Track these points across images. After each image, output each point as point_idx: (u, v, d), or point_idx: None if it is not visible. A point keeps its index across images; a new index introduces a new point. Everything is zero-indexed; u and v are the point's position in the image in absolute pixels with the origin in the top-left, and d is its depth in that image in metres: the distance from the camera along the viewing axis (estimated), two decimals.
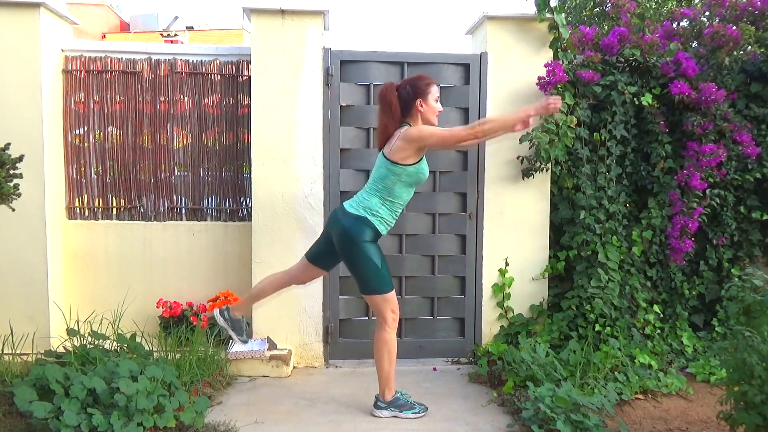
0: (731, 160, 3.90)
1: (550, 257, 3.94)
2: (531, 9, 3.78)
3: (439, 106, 3.03)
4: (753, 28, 3.93)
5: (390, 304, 2.97)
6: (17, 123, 3.60)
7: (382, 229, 2.98)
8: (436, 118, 3.03)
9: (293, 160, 3.72)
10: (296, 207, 3.74)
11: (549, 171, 3.87)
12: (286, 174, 3.72)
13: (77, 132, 3.97)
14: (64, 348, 3.32)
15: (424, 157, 3.00)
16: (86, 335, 3.34)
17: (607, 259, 3.72)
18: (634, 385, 3.31)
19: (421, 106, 2.97)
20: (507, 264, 3.89)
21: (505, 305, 3.90)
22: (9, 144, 2.95)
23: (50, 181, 3.74)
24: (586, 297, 3.69)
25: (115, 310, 3.59)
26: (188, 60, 4.02)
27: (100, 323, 3.51)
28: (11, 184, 2.90)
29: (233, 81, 4.03)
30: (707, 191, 3.89)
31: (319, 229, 3.75)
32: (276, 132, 3.71)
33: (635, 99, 3.82)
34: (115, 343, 3.38)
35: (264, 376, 3.58)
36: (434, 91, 3.00)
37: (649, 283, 3.95)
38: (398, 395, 3.09)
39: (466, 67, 3.86)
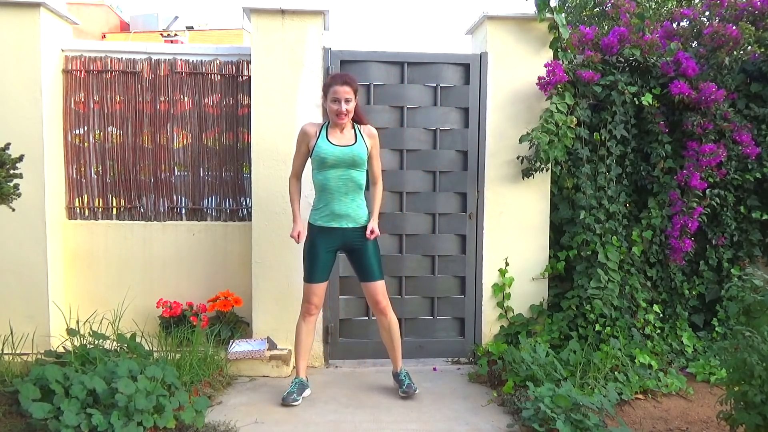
0: (731, 160, 3.91)
1: (550, 257, 3.94)
2: (531, 9, 3.78)
3: (335, 106, 3.09)
4: (753, 27, 3.93)
5: (305, 294, 3.27)
6: (17, 123, 3.59)
7: (314, 219, 3.22)
8: (337, 118, 3.11)
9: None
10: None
11: (549, 171, 3.87)
12: (286, 174, 3.71)
13: (77, 132, 3.97)
14: (64, 348, 3.32)
15: (321, 140, 3.15)
16: (86, 335, 3.34)
17: (607, 259, 3.72)
18: (634, 385, 3.31)
19: (324, 103, 3.19)
20: (507, 264, 3.89)
21: (505, 305, 3.90)
22: (9, 144, 2.95)
23: (50, 181, 3.74)
24: (586, 297, 3.69)
25: (115, 310, 3.59)
26: (188, 60, 4.01)
27: (100, 323, 3.51)
28: (11, 184, 2.89)
29: (233, 81, 4.03)
30: (707, 191, 3.89)
31: None
32: (276, 132, 3.71)
33: (635, 99, 3.82)
34: (115, 343, 3.38)
35: (264, 376, 3.58)
36: (332, 92, 3.09)
37: (649, 283, 3.95)
38: (297, 379, 3.28)
39: (466, 67, 3.86)
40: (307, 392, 3.29)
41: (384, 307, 3.28)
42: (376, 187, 3.36)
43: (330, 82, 3.14)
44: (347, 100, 3.09)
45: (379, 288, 3.27)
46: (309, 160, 3.25)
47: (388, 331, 3.33)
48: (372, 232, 3.22)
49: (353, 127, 3.23)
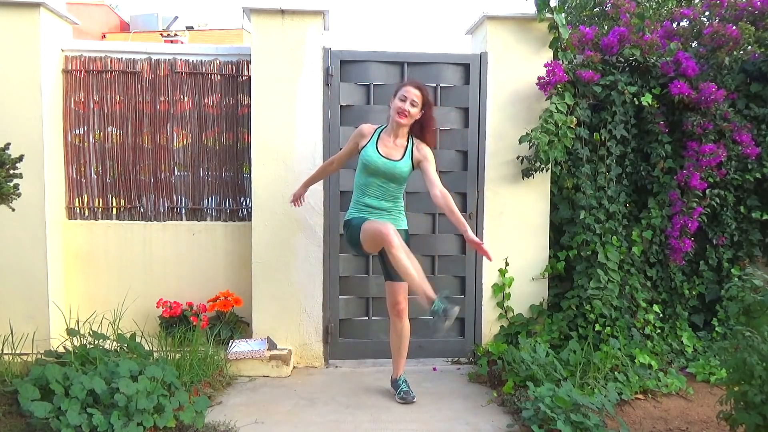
0: (731, 160, 3.91)
1: (550, 257, 3.94)
2: (531, 9, 3.78)
3: (399, 103, 3.11)
4: (753, 27, 3.93)
5: (391, 295, 3.22)
6: (17, 123, 3.59)
7: (351, 214, 3.21)
8: (397, 116, 3.12)
9: (293, 160, 3.71)
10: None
11: (549, 171, 3.87)
12: (286, 174, 3.72)
13: (77, 132, 3.97)
14: (64, 348, 3.32)
15: (370, 146, 3.15)
16: (86, 335, 3.34)
17: (607, 259, 3.72)
18: (634, 385, 3.31)
19: (391, 103, 3.20)
20: (507, 264, 3.89)
21: (505, 305, 3.90)
22: (9, 144, 2.95)
23: (50, 181, 3.73)
24: (586, 297, 3.69)
25: (115, 310, 3.59)
26: (188, 60, 4.01)
27: (100, 323, 3.51)
28: (11, 184, 2.89)
29: (233, 81, 4.03)
30: (707, 191, 3.89)
31: (319, 229, 3.76)
32: (276, 132, 3.71)
33: (635, 99, 3.82)
34: (115, 343, 3.38)
35: (264, 376, 3.58)
36: (403, 90, 3.13)
37: (649, 283, 3.95)
38: (402, 378, 3.33)
39: (466, 67, 3.86)
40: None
41: (402, 310, 3.23)
42: (442, 193, 3.09)
43: (403, 83, 3.20)
44: (413, 103, 3.08)
45: (403, 288, 3.20)
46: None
47: (399, 336, 3.28)
48: (478, 244, 3.00)
49: (408, 141, 3.19)
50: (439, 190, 3.10)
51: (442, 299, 2.89)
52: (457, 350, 3.95)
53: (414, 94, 3.08)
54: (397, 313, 3.24)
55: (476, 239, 3.02)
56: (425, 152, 3.19)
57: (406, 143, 3.17)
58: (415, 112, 3.10)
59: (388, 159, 3.12)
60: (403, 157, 3.14)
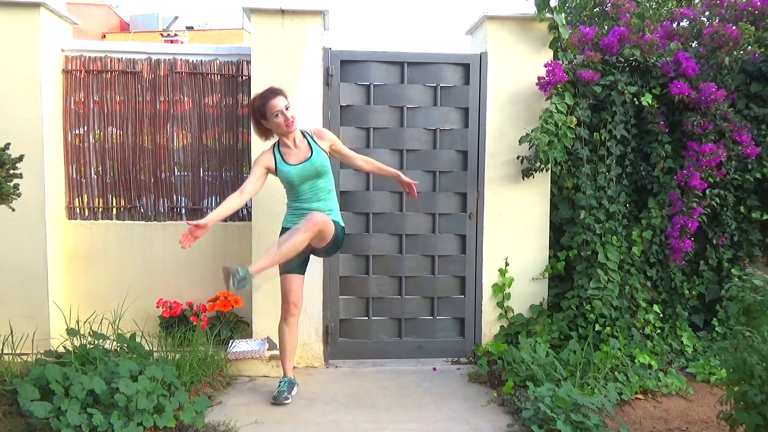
0: (731, 160, 3.91)
1: (550, 257, 3.94)
2: (531, 9, 3.78)
3: (280, 119, 3.06)
4: (753, 27, 3.93)
5: (283, 292, 3.23)
6: (17, 123, 3.59)
7: (288, 222, 3.20)
8: (288, 128, 3.09)
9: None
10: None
11: (549, 171, 3.87)
12: None
13: (77, 132, 3.97)
14: (64, 348, 3.32)
15: (281, 165, 3.14)
16: (86, 335, 3.34)
17: (607, 259, 3.72)
18: (634, 385, 3.31)
19: (268, 125, 3.14)
20: (507, 264, 3.89)
21: (505, 305, 3.90)
22: (9, 144, 2.95)
23: (50, 181, 3.73)
24: (586, 297, 3.69)
25: (115, 310, 3.58)
26: (188, 60, 4.01)
27: (100, 323, 3.51)
28: (11, 184, 2.90)
29: (233, 81, 4.03)
30: (707, 191, 3.89)
31: None
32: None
33: (635, 99, 3.82)
34: (115, 343, 3.38)
35: (264, 376, 3.58)
36: (270, 107, 3.06)
37: (649, 283, 3.95)
38: (286, 379, 3.27)
39: (466, 67, 3.86)
40: (294, 390, 3.29)
41: (294, 304, 3.24)
42: (365, 160, 3.35)
43: (262, 102, 3.09)
44: (287, 108, 3.09)
45: (295, 284, 3.22)
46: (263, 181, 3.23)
47: (283, 333, 3.29)
48: (411, 184, 3.35)
49: (304, 136, 3.21)
50: (360, 159, 3.35)
51: (245, 272, 2.86)
52: (457, 350, 3.95)
53: (281, 103, 3.06)
54: (286, 310, 3.22)
55: (409, 180, 3.37)
56: (326, 135, 3.28)
57: (304, 139, 3.20)
58: (293, 111, 3.13)
59: (302, 162, 3.13)
60: (312, 152, 3.16)
